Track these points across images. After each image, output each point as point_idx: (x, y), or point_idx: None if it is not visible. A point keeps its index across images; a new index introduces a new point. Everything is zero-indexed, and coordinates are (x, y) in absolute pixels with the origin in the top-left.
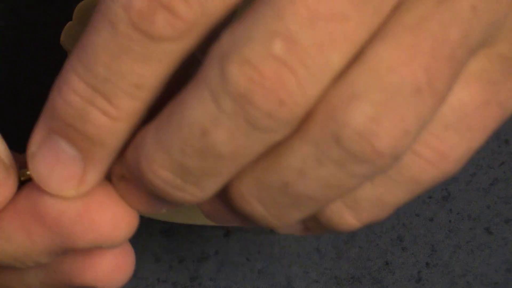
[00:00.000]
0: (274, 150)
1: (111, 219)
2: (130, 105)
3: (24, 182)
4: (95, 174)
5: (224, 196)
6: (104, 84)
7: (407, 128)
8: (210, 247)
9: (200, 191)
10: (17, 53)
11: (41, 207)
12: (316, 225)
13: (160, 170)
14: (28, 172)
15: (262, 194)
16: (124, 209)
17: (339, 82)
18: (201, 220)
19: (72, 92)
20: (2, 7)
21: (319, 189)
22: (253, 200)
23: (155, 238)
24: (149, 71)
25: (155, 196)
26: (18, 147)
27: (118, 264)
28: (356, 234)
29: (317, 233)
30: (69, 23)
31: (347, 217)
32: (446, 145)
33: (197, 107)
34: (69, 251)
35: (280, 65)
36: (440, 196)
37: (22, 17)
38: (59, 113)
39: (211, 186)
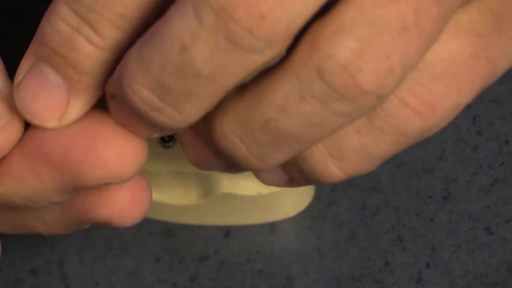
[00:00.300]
0: (256, 86)
1: (118, 154)
2: (114, 35)
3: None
4: (79, 104)
5: (207, 138)
6: (91, 13)
7: (392, 67)
8: (210, 247)
9: (179, 114)
10: (17, 53)
11: (46, 147)
12: (299, 176)
13: (139, 88)
14: None
15: (244, 131)
16: (131, 143)
17: (325, 16)
18: (201, 220)
19: (60, 19)
20: (2, 7)
21: (301, 127)
22: (235, 138)
23: (155, 238)
24: (132, 2)
25: (140, 118)
26: None
27: (133, 198)
28: (356, 234)
29: (301, 185)
30: None
31: (330, 166)
32: (433, 95)
33: (179, 22)
34: (80, 189)
35: None
36: (440, 196)
37: (22, 17)
38: (47, 40)
39: (190, 111)
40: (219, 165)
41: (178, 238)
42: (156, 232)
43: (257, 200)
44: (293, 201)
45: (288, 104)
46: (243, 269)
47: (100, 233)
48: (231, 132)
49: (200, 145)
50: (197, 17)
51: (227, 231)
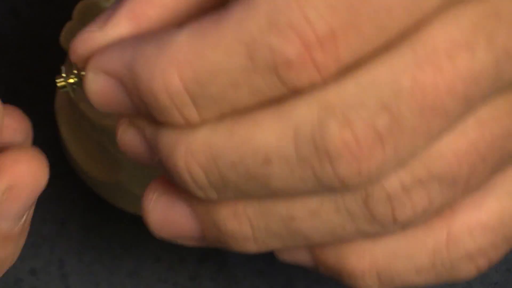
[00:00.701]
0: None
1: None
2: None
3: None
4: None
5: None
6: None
7: (429, 209)
8: (210, 247)
9: (218, 197)
10: (17, 53)
11: None
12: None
13: (195, 167)
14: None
15: (261, 219)
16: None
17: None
18: None
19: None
20: (2, 7)
21: (321, 233)
22: (246, 222)
23: (155, 238)
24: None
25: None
26: None
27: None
28: None
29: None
30: (69, 23)
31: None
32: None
33: (270, 134)
34: None
35: (377, 140)
36: None
37: (22, 17)
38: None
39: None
40: (193, 238)
41: None
42: None
43: None
44: None
45: (320, 211)
46: (243, 269)
47: (100, 233)
48: (244, 214)
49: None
50: (295, 144)
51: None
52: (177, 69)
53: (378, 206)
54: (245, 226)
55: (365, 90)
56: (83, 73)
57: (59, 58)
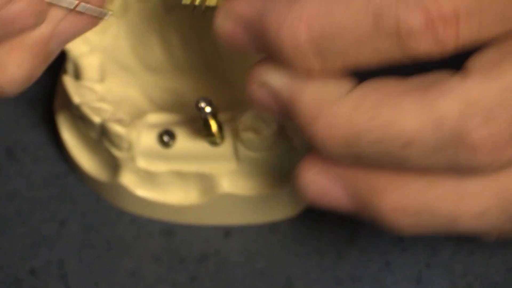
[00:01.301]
0: None
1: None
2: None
3: None
4: None
5: None
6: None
7: None
8: (210, 247)
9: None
10: None
11: None
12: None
13: (334, 144)
14: None
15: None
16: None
17: None
18: (201, 220)
19: None
20: None
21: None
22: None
23: (155, 238)
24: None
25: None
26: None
27: None
28: (356, 234)
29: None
30: None
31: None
32: None
33: (414, 120)
34: None
35: None
36: None
37: None
38: None
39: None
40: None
41: (178, 238)
42: (156, 232)
43: (257, 200)
44: (293, 201)
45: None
46: (243, 269)
47: (100, 233)
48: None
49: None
50: (437, 132)
51: (227, 231)
52: (306, 24)
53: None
54: (402, 216)
55: (507, 91)
56: (209, 2)
57: (59, 58)
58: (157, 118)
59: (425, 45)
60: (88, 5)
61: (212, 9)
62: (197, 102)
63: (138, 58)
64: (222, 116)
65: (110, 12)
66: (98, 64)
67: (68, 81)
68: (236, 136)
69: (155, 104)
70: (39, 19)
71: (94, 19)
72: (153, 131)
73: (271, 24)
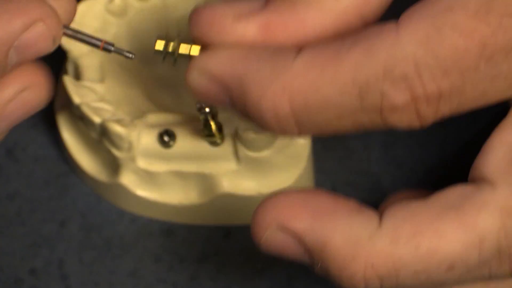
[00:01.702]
0: None
1: None
2: None
3: None
4: None
5: None
6: None
7: None
8: (210, 247)
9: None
10: None
11: None
12: None
13: (372, 274)
14: None
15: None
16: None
17: None
18: (201, 220)
19: None
20: None
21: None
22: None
23: (155, 238)
24: None
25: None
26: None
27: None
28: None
29: None
30: None
31: None
32: None
33: (456, 244)
34: None
35: None
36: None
37: None
38: None
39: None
40: None
41: (178, 238)
42: (156, 232)
43: (257, 200)
44: None
45: None
46: (243, 269)
47: (100, 233)
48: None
49: None
50: (479, 250)
51: (227, 231)
52: (289, 96)
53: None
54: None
55: None
56: (182, 49)
57: (59, 58)
58: (157, 118)
59: (406, 120)
60: (113, 47)
61: (184, 57)
62: (197, 102)
63: (138, 58)
64: (222, 116)
65: (132, 56)
66: (98, 64)
67: (68, 81)
68: (236, 136)
69: (155, 104)
70: (55, 43)
71: (40, 103)
72: (153, 131)
73: (252, 92)
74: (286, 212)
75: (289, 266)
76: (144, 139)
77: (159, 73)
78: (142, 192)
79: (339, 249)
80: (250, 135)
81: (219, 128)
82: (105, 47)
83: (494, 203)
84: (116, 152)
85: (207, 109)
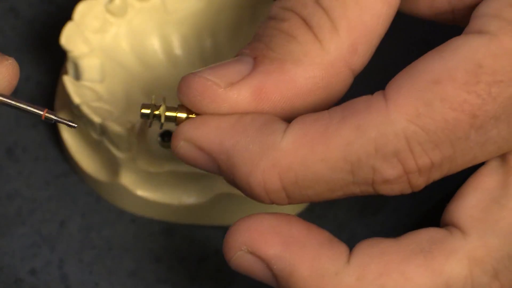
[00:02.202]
0: None
1: None
2: None
3: None
4: None
5: None
6: None
7: None
8: (210, 247)
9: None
10: (17, 53)
11: None
12: None
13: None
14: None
15: None
16: None
17: None
18: (201, 220)
19: None
20: (2, 7)
21: None
22: None
23: (155, 238)
24: None
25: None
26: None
27: None
28: (356, 234)
29: None
30: (69, 23)
31: None
32: None
33: None
34: None
35: None
36: (440, 195)
37: (22, 17)
38: None
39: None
40: None
41: (178, 238)
42: (156, 232)
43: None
44: None
45: None
46: None
47: (100, 233)
48: None
49: None
50: None
51: (227, 231)
52: (279, 173)
53: None
54: None
55: (506, 242)
56: (168, 113)
57: (59, 58)
58: None
59: (397, 189)
60: (55, 117)
61: (171, 120)
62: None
63: (138, 58)
64: None
65: (75, 125)
66: (98, 64)
67: (68, 81)
68: None
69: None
70: None
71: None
72: (153, 131)
73: (240, 167)
74: (257, 236)
75: None
76: (144, 139)
77: (159, 73)
78: (142, 192)
79: (305, 280)
80: None
81: None
82: (47, 117)
83: (463, 251)
84: (116, 152)
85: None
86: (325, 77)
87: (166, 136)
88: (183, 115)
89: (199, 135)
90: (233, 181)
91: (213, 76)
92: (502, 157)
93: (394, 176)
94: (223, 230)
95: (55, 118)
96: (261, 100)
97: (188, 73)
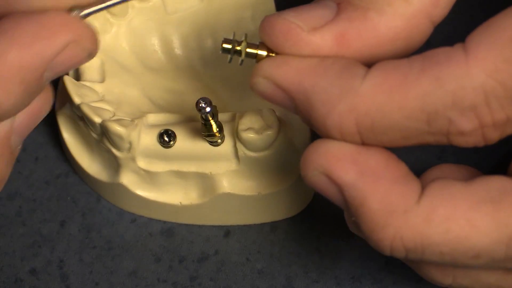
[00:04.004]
0: None
1: None
2: None
3: None
4: None
5: None
6: None
7: None
8: (210, 247)
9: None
10: None
11: None
12: None
13: (400, 247)
14: None
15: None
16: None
17: None
18: (201, 220)
19: None
20: None
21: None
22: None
23: (155, 238)
24: None
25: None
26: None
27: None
28: (356, 234)
29: None
30: None
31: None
32: None
33: (486, 237)
34: None
35: None
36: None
37: None
38: None
39: None
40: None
41: (178, 238)
42: (156, 232)
43: (257, 200)
44: (293, 201)
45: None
46: (243, 269)
47: (100, 233)
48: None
49: None
50: (507, 247)
51: (227, 231)
52: (356, 117)
53: None
54: (448, 278)
55: None
56: (249, 49)
57: None
58: (157, 118)
59: (471, 142)
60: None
61: (251, 57)
62: (197, 102)
63: (138, 58)
64: (222, 116)
65: None
66: (98, 64)
67: (68, 81)
68: (236, 136)
69: (155, 104)
70: (90, 57)
71: (86, 56)
72: (153, 131)
73: (318, 109)
74: (334, 161)
75: (289, 266)
76: (144, 139)
77: (159, 73)
78: (142, 192)
79: (374, 213)
80: (250, 135)
81: (219, 128)
82: None
83: None
84: (116, 152)
85: (207, 109)
86: (406, 27)
87: (166, 136)
88: (263, 52)
89: (279, 73)
90: (309, 121)
91: (297, 19)
92: None
93: (470, 129)
94: (223, 230)
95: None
96: (343, 46)
97: (272, 13)
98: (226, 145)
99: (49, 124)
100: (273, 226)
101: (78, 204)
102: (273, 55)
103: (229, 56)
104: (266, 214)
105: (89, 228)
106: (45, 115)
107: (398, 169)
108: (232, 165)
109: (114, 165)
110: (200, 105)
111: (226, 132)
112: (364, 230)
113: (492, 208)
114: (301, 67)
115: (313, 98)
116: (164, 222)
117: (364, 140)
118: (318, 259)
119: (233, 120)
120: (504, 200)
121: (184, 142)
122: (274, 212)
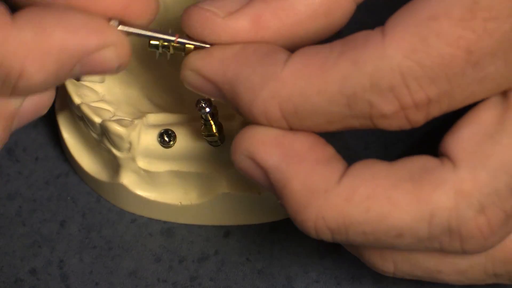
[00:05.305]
0: None
1: None
2: None
3: None
4: None
5: None
6: None
7: None
8: (210, 247)
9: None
10: None
11: None
12: None
13: (324, 228)
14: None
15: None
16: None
17: None
18: (201, 220)
19: None
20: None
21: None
22: (391, 262)
23: (155, 238)
24: None
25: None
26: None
27: None
28: None
29: None
30: None
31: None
32: None
33: (407, 215)
34: None
35: (505, 220)
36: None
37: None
38: None
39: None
40: None
41: (178, 238)
42: (156, 232)
43: (257, 200)
44: None
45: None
46: (243, 269)
47: (100, 233)
48: (390, 257)
49: None
50: (429, 225)
51: (227, 231)
52: (279, 103)
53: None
54: (388, 264)
55: (496, 177)
56: (174, 44)
57: None
58: (157, 118)
59: (396, 125)
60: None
61: (179, 51)
62: (197, 102)
63: (138, 58)
64: (222, 116)
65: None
66: None
67: (68, 81)
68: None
69: (155, 104)
70: (118, 70)
71: (118, 64)
72: (153, 131)
73: (243, 97)
74: (258, 145)
75: (289, 266)
76: (144, 139)
77: (159, 73)
78: (142, 192)
79: (296, 194)
80: None
81: (219, 128)
82: (179, 42)
83: (451, 183)
84: (116, 152)
85: (207, 109)
86: (324, 3)
87: (166, 136)
88: (191, 45)
89: (204, 66)
90: (237, 110)
91: (212, 6)
92: (503, 94)
93: (391, 111)
94: (223, 230)
95: (186, 41)
96: (261, 28)
97: (190, 5)
98: (226, 145)
99: (49, 124)
100: (273, 226)
101: (78, 204)
102: (208, 46)
103: (157, 52)
104: (266, 214)
105: (89, 228)
106: (44, 112)
107: (322, 151)
108: (232, 165)
109: (114, 165)
110: (200, 105)
111: (226, 132)
112: (289, 213)
113: (413, 186)
114: (224, 57)
115: (238, 87)
116: (164, 222)
117: (291, 125)
118: (318, 259)
119: (233, 120)
120: (425, 178)
121: (184, 142)
122: (274, 212)
